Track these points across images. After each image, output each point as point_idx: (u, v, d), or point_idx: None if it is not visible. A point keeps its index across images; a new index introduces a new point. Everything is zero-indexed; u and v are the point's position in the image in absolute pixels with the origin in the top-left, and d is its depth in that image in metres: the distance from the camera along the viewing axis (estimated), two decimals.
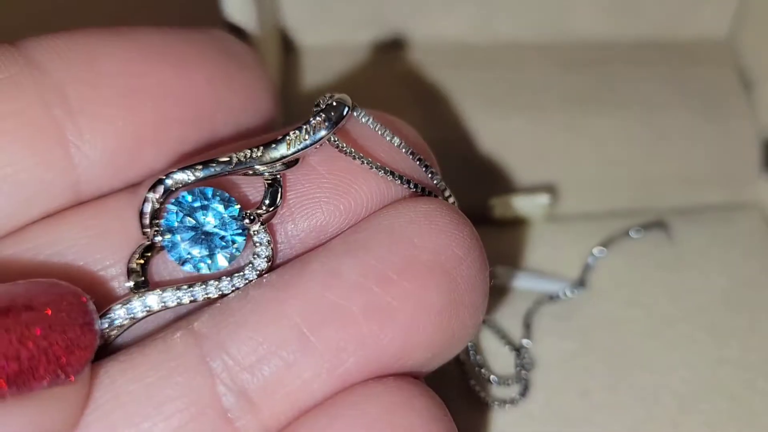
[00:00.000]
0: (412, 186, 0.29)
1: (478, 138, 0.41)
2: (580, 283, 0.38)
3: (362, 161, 0.28)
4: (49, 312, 0.25)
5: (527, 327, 0.37)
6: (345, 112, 0.28)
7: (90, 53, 0.29)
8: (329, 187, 0.28)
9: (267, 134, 0.29)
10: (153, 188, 0.27)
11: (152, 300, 0.27)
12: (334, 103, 0.28)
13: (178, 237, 0.27)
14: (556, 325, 0.37)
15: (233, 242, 0.28)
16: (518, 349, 0.36)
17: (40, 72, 0.28)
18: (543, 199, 0.39)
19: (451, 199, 0.30)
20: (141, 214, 0.27)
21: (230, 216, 0.28)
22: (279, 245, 0.28)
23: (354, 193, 0.29)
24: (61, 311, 0.25)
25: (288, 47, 0.44)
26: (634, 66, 0.43)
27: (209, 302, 0.28)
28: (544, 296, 0.37)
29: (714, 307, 0.38)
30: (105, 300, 0.28)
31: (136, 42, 0.30)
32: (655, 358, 0.36)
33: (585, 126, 0.41)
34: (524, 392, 0.35)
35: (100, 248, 0.28)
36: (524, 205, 0.39)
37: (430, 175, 0.30)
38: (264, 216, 0.28)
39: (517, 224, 0.40)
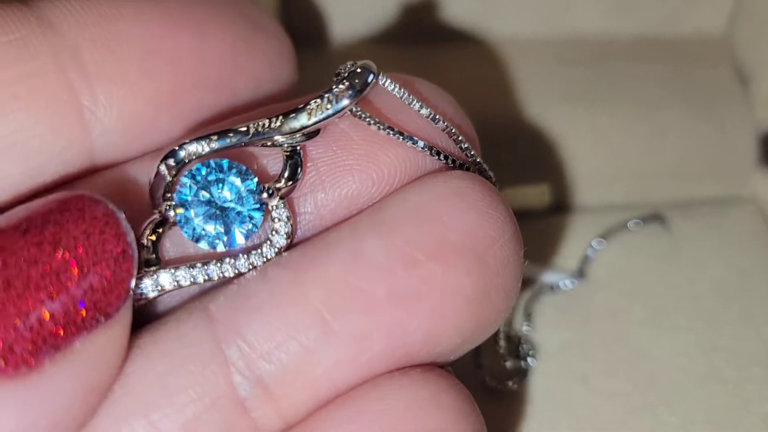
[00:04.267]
0: (442, 158, 0.27)
1: (479, 132, 0.41)
2: (580, 273, 0.38)
3: (388, 131, 0.26)
4: (81, 249, 0.23)
5: (528, 316, 0.37)
6: (370, 79, 0.26)
7: (106, 14, 0.27)
8: (362, 154, 0.26)
9: (287, 102, 0.28)
10: (165, 160, 0.25)
11: (165, 279, 0.26)
12: (358, 70, 0.26)
13: (192, 212, 0.26)
14: (556, 314, 0.37)
15: (251, 218, 0.26)
16: (519, 337, 0.37)
17: (53, 33, 0.26)
18: (543, 191, 0.40)
19: (489, 174, 0.28)
20: (152, 187, 0.26)
21: (247, 190, 0.26)
22: (307, 216, 0.27)
23: (388, 161, 0.26)
24: (93, 243, 0.23)
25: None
26: (633, 62, 0.43)
27: (225, 281, 0.26)
28: (545, 286, 0.38)
29: (709, 297, 0.38)
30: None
31: (155, 4, 0.28)
32: (652, 346, 0.37)
33: (584, 121, 0.42)
34: (524, 379, 0.36)
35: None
36: (524, 197, 0.40)
37: (464, 148, 0.27)
38: (283, 190, 0.26)
39: (517, 216, 0.40)
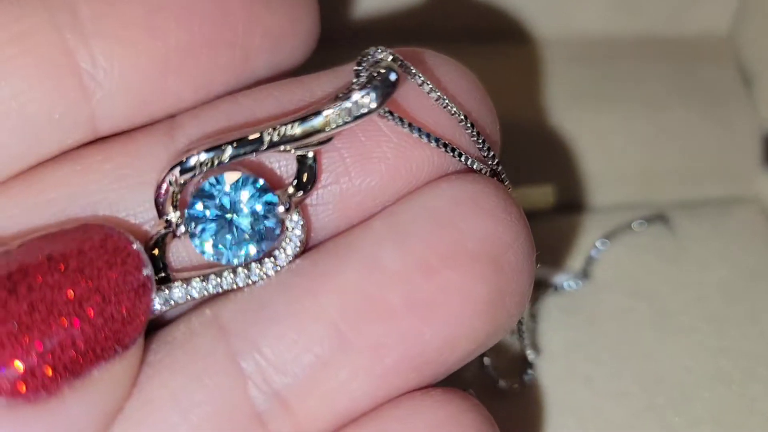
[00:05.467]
0: (462, 159, 0.26)
1: None
2: (584, 274, 0.38)
3: (411, 130, 0.25)
4: (104, 280, 0.23)
5: (532, 317, 0.37)
6: (392, 84, 0.24)
7: None
8: (392, 147, 0.25)
9: (304, 85, 0.26)
10: (173, 169, 0.24)
11: (177, 293, 0.25)
12: (382, 71, 0.24)
13: (203, 226, 0.25)
14: (560, 315, 0.37)
15: (265, 233, 0.25)
16: (523, 338, 0.37)
17: None
18: (547, 192, 0.40)
19: (503, 177, 0.28)
20: (158, 197, 0.24)
21: (262, 205, 0.25)
22: (330, 207, 0.25)
23: (418, 156, 0.26)
24: (115, 275, 0.23)
25: None
26: (637, 62, 0.44)
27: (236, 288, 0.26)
28: (549, 287, 0.38)
29: (714, 297, 0.38)
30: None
31: None
32: (657, 347, 0.37)
33: (589, 121, 0.42)
34: (529, 380, 0.36)
35: (135, 202, 0.25)
36: (529, 198, 0.40)
37: (485, 151, 0.27)
38: (296, 199, 0.25)
39: None
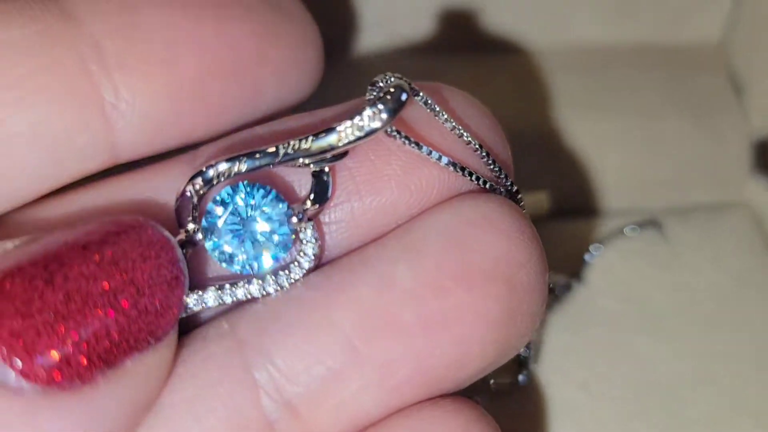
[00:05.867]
0: (474, 179, 0.26)
1: None
2: (578, 279, 0.39)
3: (419, 149, 0.26)
4: (138, 272, 0.23)
5: None
6: (403, 99, 0.25)
7: (126, 4, 0.26)
8: (401, 165, 0.26)
9: (311, 115, 0.27)
10: (192, 180, 0.25)
11: (191, 300, 0.25)
12: (392, 89, 0.25)
13: (220, 235, 0.25)
14: (555, 319, 0.38)
15: (280, 243, 0.25)
16: None
17: (75, 23, 0.26)
18: (541, 198, 0.40)
19: (519, 196, 0.28)
20: (178, 207, 0.25)
21: (277, 215, 0.25)
22: (342, 225, 0.26)
23: (426, 173, 0.26)
24: (149, 267, 0.24)
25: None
26: (630, 71, 0.44)
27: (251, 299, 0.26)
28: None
29: (705, 301, 0.38)
30: None
31: None
32: (649, 351, 0.37)
33: (583, 129, 0.42)
34: (523, 383, 0.36)
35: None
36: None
37: (496, 171, 0.27)
38: (311, 212, 0.26)
39: None
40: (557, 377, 0.36)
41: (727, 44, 0.45)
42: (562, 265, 0.39)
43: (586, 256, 0.39)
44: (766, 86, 0.42)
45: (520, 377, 0.36)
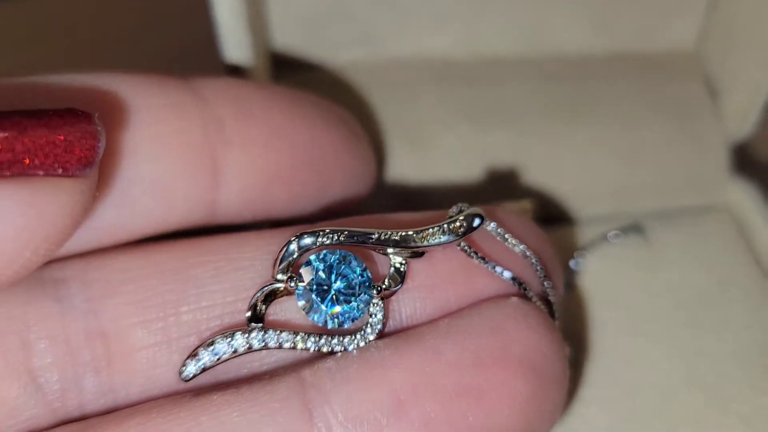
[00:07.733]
0: (523, 289, 0.31)
1: (463, 149, 0.42)
2: (564, 284, 0.39)
3: (482, 262, 0.31)
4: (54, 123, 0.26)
5: None
6: (476, 224, 0.30)
7: (245, 98, 0.33)
8: (463, 272, 0.31)
9: (405, 218, 0.32)
10: (299, 238, 0.29)
11: (270, 337, 0.29)
12: (471, 213, 0.30)
13: (310, 288, 0.29)
14: None
15: (357, 306, 0.29)
16: None
17: (204, 103, 0.32)
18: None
19: (554, 309, 0.33)
20: (279, 258, 0.29)
21: (361, 283, 0.29)
22: (404, 315, 0.30)
23: (482, 281, 0.31)
24: (68, 125, 0.26)
25: (279, 68, 0.45)
26: (609, 78, 0.44)
27: (317, 355, 0.30)
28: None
29: (689, 303, 0.39)
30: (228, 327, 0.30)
31: (280, 98, 0.33)
32: (636, 353, 0.38)
33: (564, 136, 0.43)
34: None
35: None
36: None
37: (544, 283, 0.32)
38: (385, 291, 0.30)
39: None
40: None
41: (701, 51, 0.46)
42: None
43: (571, 263, 0.40)
44: (740, 90, 0.43)
45: None
